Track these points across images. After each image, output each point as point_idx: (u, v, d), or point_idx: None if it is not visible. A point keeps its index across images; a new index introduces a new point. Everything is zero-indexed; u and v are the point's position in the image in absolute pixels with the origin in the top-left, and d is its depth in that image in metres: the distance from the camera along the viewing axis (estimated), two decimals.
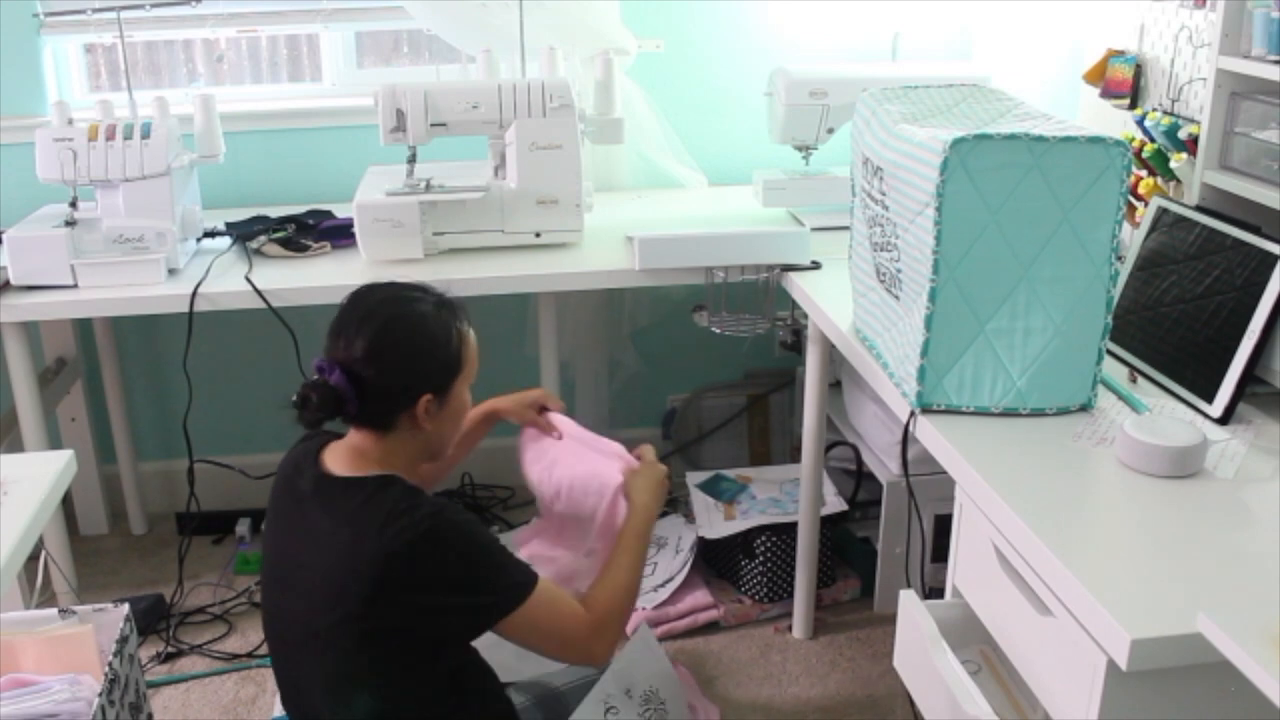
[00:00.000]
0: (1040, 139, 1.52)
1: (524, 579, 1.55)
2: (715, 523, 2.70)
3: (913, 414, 1.68)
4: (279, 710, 1.73)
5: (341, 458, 1.60)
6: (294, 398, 1.54)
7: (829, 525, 2.63)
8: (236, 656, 2.55)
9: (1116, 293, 1.62)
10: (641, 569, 1.72)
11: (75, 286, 2.30)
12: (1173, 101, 2.16)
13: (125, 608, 1.86)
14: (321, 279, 2.37)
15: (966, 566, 1.61)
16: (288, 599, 1.60)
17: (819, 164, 2.71)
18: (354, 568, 1.48)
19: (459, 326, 1.63)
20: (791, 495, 2.72)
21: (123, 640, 1.81)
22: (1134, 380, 1.78)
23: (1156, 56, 2.21)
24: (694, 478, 2.89)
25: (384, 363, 1.55)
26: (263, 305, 2.30)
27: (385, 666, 1.53)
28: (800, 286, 2.28)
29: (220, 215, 2.69)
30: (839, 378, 2.88)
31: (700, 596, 2.65)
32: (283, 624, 1.63)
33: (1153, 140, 2.11)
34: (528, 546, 1.92)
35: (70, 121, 2.37)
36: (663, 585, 2.66)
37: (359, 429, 1.60)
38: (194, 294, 2.28)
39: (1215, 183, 1.92)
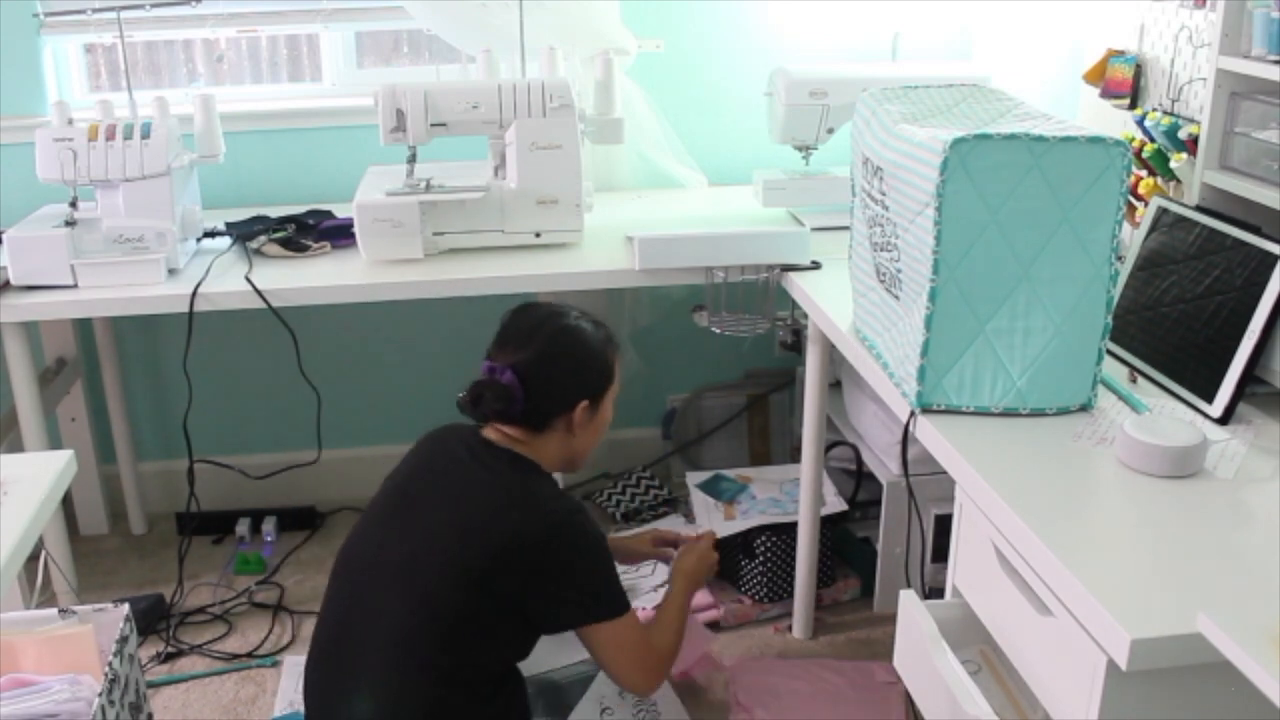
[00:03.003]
0: (1040, 139, 1.52)
1: (624, 600, 1.73)
2: (715, 523, 2.69)
3: (913, 414, 1.67)
4: (279, 710, 1.74)
5: (500, 439, 1.74)
6: (463, 394, 1.72)
7: (829, 525, 2.62)
8: (236, 656, 2.54)
9: (1116, 293, 1.62)
10: (683, 632, 1.91)
11: (75, 286, 2.30)
12: (1173, 101, 2.16)
13: (125, 608, 1.86)
14: (321, 279, 2.36)
15: (966, 566, 1.61)
16: (397, 543, 1.67)
17: (819, 164, 2.70)
18: (493, 532, 1.61)
19: (612, 343, 1.85)
20: (791, 495, 2.72)
21: (123, 640, 1.80)
22: (1134, 380, 1.78)
23: (1156, 56, 2.21)
24: (694, 478, 2.89)
25: (553, 367, 1.72)
26: (263, 305, 2.30)
27: (467, 631, 1.61)
28: (800, 286, 2.28)
29: (220, 215, 2.69)
30: (839, 378, 2.88)
31: (700, 596, 2.65)
32: (376, 568, 1.68)
33: (1153, 140, 2.11)
34: None
35: (70, 121, 2.37)
36: (663, 585, 2.65)
37: (512, 426, 1.74)
38: (194, 294, 2.28)
39: (1215, 183, 1.92)
